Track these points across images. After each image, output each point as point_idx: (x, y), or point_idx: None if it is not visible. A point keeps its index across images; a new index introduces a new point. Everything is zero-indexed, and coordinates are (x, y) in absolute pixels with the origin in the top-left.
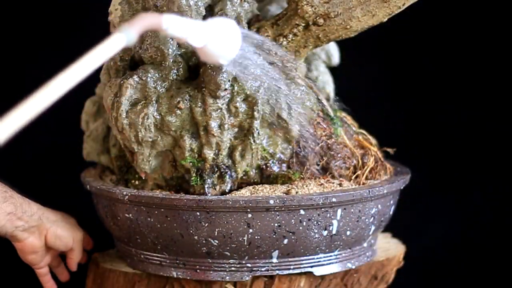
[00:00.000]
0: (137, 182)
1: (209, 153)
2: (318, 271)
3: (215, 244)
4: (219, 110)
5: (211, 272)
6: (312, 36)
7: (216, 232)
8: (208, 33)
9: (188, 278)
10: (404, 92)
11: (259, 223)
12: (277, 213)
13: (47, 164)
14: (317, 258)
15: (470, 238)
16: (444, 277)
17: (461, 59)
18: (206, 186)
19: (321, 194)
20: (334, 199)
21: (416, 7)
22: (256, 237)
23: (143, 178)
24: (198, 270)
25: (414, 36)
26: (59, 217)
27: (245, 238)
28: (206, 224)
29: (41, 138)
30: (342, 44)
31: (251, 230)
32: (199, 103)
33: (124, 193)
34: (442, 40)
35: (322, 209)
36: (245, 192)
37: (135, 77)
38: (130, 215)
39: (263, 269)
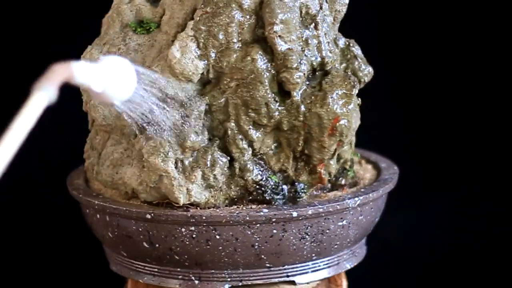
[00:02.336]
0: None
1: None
2: None
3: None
4: None
5: (344, 263)
6: None
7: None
8: (104, 75)
9: (330, 275)
10: (402, 91)
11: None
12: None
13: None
14: None
15: (468, 238)
16: (442, 277)
17: (460, 59)
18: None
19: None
20: None
21: (416, 6)
22: (377, 219)
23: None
24: (336, 266)
25: (413, 35)
26: None
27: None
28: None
29: None
30: None
31: (378, 214)
32: None
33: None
34: (441, 39)
35: None
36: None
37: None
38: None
39: (356, 251)
